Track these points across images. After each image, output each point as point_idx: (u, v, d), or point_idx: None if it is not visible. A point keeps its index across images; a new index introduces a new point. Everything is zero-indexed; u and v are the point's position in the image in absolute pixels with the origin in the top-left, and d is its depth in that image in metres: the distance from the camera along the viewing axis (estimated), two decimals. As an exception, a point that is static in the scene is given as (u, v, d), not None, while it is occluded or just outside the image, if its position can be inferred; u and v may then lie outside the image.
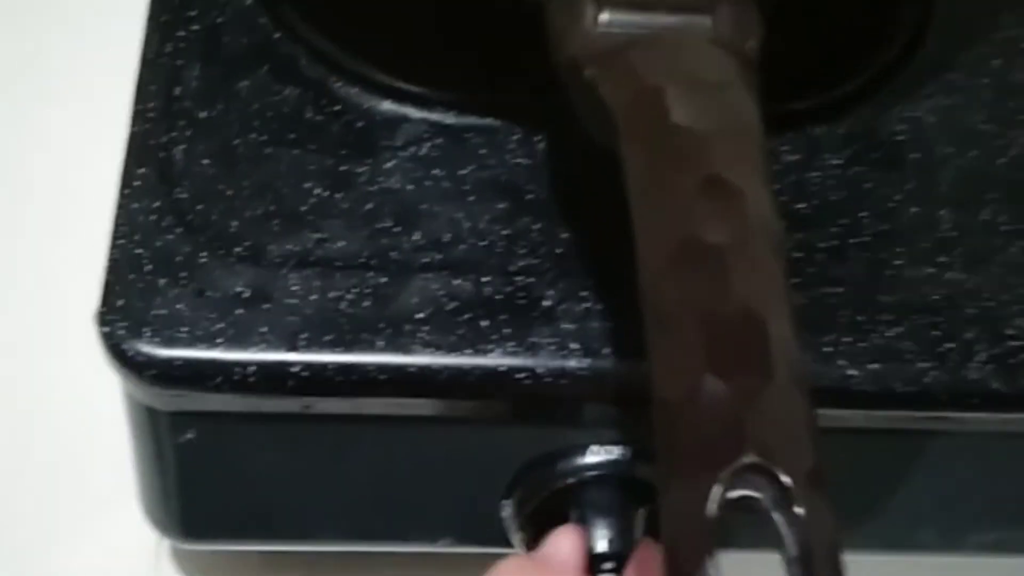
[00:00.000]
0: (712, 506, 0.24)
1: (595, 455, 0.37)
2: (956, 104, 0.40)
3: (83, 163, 0.47)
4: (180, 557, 0.44)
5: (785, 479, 0.24)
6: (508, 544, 0.39)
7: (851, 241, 0.37)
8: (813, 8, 0.39)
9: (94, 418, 0.43)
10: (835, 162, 0.39)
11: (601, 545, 0.36)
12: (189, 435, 0.36)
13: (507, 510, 0.38)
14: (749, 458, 0.24)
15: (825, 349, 0.35)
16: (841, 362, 0.35)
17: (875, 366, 0.35)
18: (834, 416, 0.36)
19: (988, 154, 0.39)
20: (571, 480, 0.37)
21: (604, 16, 0.31)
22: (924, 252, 0.37)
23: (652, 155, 0.28)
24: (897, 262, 0.37)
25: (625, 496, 0.36)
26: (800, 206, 0.38)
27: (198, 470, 0.38)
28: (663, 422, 0.25)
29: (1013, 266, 0.37)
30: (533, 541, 0.37)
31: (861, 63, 0.40)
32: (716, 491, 0.24)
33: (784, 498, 0.24)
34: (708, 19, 0.31)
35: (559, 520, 0.36)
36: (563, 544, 0.35)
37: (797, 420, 0.25)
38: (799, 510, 0.24)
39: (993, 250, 0.37)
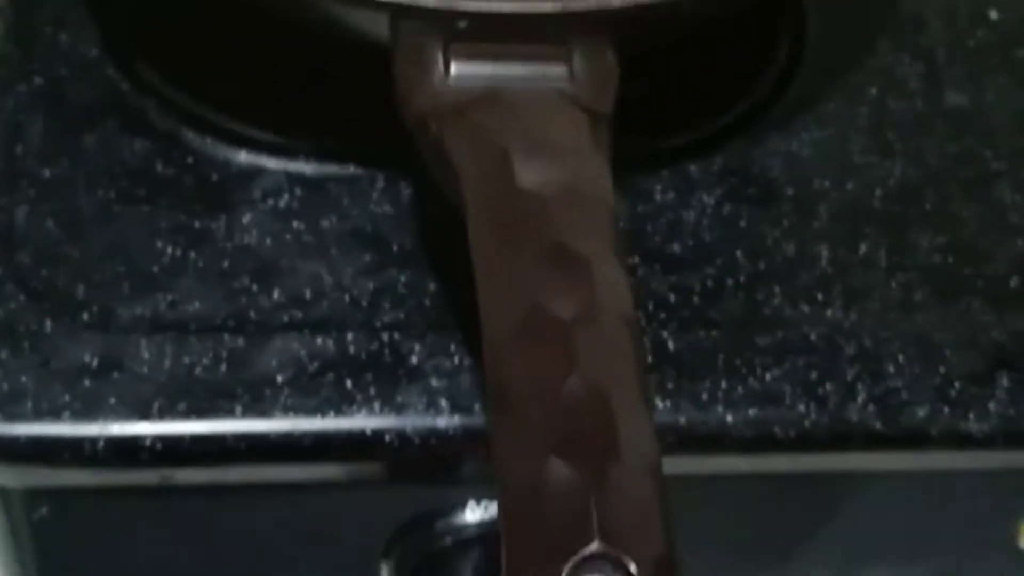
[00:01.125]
0: None
1: (473, 512, 0.36)
2: (832, 136, 0.39)
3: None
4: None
5: (632, 568, 0.23)
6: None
7: (727, 281, 0.36)
8: (681, 44, 0.38)
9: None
10: (709, 200, 0.38)
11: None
12: (43, 512, 0.34)
13: (385, 572, 0.37)
14: (595, 546, 0.23)
15: (702, 395, 0.34)
16: (719, 408, 0.34)
17: (754, 411, 0.34)
18: (715, 463, 0.35)
19: (866, 186, 0.38)
20: (450, 539, 0.36)
21: (454, 69, 0.30)
22: (802, 290, 0.36)
23: (496, 220, 0.27)
24: (775, 301, 0.36)
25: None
26: (674, 247, 0.37)
27: (56, 547, 0.36)
28: (506, 510, 0.24)
29: (893, 302, 0.36)
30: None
31: (734, 96, 0.39)
32: None
33: None
34: (562, 69, 0.30)
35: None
36: None
37: (646, 503, 0.24)
38: None
39: (873, 286, 0.36)
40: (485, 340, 0.26)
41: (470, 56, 0.30)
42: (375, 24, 0.31)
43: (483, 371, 0.33)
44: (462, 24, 0.30)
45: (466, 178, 0.28)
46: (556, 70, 0.30)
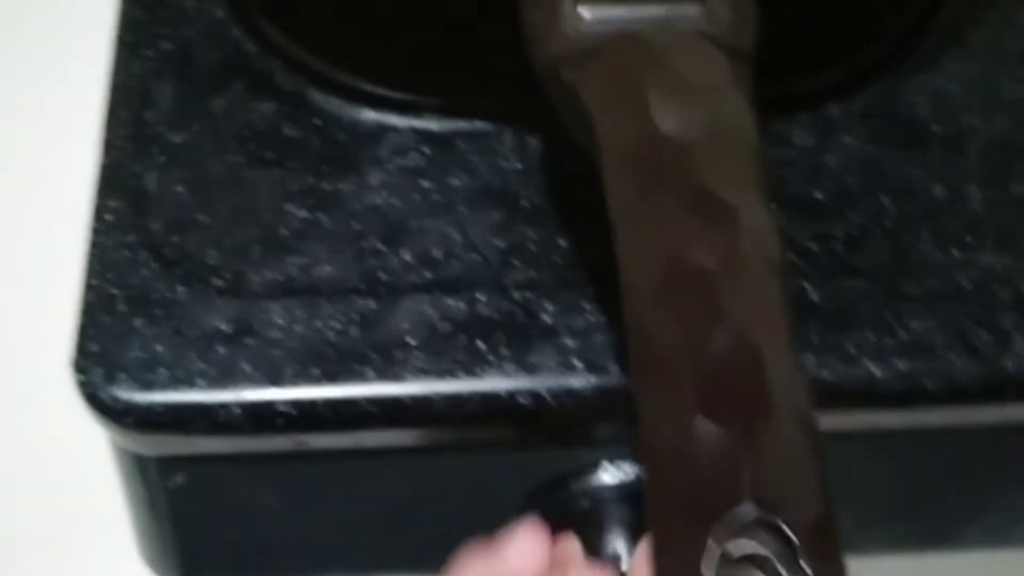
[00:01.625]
0: (709, 565, 0.21)
1: (609, 473, 0.35)
2: (980, 70, 0.37)
3: (53, 197, 0.45)
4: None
5: (789, 532, 0.22)
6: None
7: (872, 228, 0.35)
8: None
9: (85, 460, 0.41)
10: (852, 143, 0.36)
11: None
12: (179, 479, 0.35)
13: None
14: (748, 510, 0.21)
15: (849, 348, 0.33)
16: (867, 361, 0.33)
17: (903, 363, 0.33)
18: (863, 419, 0.34)
19: (1017, 122, 0.36)
20: (586, 501, 0.35)
21: (584, 10, 0.29)
22: (952, 234, 0.35)
23: (635, 167, 0.26)
24: (923, 247, 0.34)
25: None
26: (815, 193, 0.35)
27: (191, 512, 0.36)
28: (652, 472, 0.23)
29: (1050, 245, 0.34)
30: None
31: (875, 33, 0.37)
32: (713, 548, 0.22)
33: (791, 553, 0.22)
34: (698, 8, 0.29)
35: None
36: (522, 546, 0.32)
37: (802, 464, 0.22)
38: (806, 567, 0.22)
39: (1027, 229, 0.35)
40: (625, 293, 0.25)
41: None
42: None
43: (619, 327, 0.33)
44: (591, -36, 0.29)
45: (602, 124, 0.27)
46: (691, 10, 0.29)
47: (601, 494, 0.35)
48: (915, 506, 0.36)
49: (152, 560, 0.37)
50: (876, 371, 0.33)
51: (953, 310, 0.33)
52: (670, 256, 0.25)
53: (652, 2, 0.29)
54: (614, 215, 0.26)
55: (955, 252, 0.34)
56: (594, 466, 0.35)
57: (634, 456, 0.34)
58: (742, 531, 0.22)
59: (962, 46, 0.37)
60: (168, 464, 0.34)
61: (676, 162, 0.26)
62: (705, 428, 0.23)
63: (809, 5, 0.37)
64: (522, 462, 0.35)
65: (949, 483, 0.36)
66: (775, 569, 0.22)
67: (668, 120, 0.26)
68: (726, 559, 0.22)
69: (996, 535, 0.37)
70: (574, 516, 0.35)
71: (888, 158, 0.36)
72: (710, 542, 0.22)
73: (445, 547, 0.37)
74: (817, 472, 0.22)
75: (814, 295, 0.34)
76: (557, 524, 0.35)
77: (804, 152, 0.36)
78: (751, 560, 0.22)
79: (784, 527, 0.22)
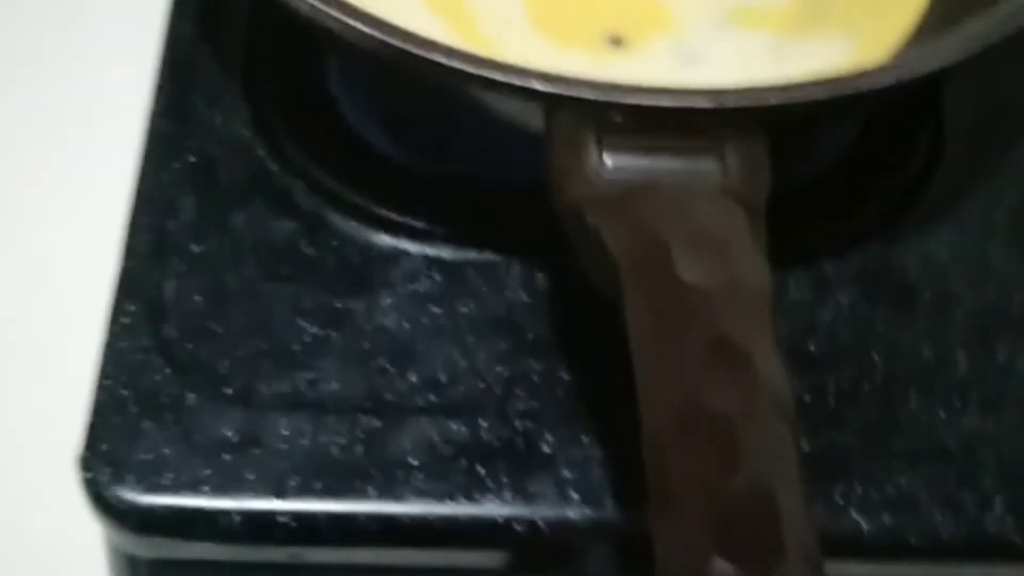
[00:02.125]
0: None
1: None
2: (970, 239, 0.39)
3: (71, 292, 0.46)
4: None
5: None
6: None
7: (863, 384, 0.36)
8: (821, 147, 0.39)
9: (76, 558, 0.41)
10: (845, 300, 0.38)
11: None
12: (171, 584, 0.35)
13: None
14: None
15: (836, 499, 0.34)
16: (853, 513, 0.34)
17: (889, 517, 0.34)
18: (848, 569, 0.35)
19: (1004, 292, 0.38)
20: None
21: (608, 160, 0.30)
22: (939, 395, 0.36)
23: (656, 313, 0.27)
24: (911, 406, 0.36)
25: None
26: (809, 346, 0.37)
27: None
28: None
29: (1033, 412, 0.36)
30: None
31: (870, 198, 0.39)
32: None
33: None
34: (717, 164, 0.30)
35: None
36: None
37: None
38: None
39: (1011, 394, 0.36)
40: (645, 434, 0.26)
41: (624, 148, 0.30)
42: (528, 113, 0.32)
43: (617, 463, 0.34)
44: (617, 117, 0.31)
45: (625, 269, 0.28)
46: (709, 165, 0.30)
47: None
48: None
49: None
50: (862, 523, 0.34)
51: (938, 469, 0.35)
52: (689, 400, 0.26)
53: (672, 156, 0.31)
54: (635, 356, 0.27)
55: (941, 413, 0.36)
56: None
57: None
58: None
59: (953, 215, 0.39)
60: (161, 568, 0.34)
61: (697, 310, 0.27)
62: (721, 568, 0.23)
63: (810, 168, 0.39)
64: (513, 589, 0.35)
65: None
66: None
67: (689, 269, 0.28)
68: None
69: None
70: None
71: (879, 318, 0.37)
72: None
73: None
74: None
75: (806, 445, 0.35)
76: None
77: (800, 306, 0.37)
78: None
79: None
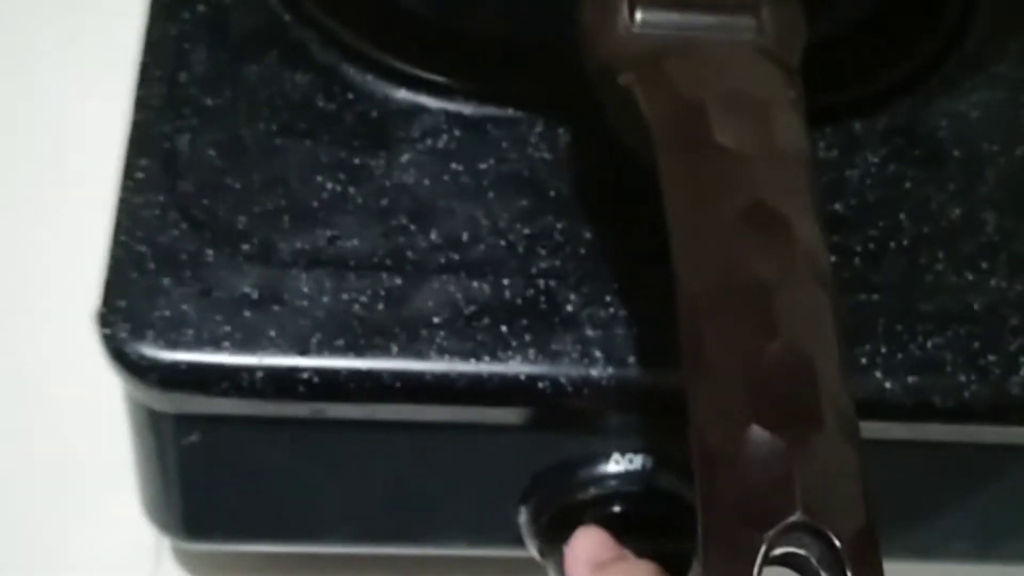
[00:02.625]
0: (756, 568, 0.22)
1: (618, 464, 0.35)
2: (1002, 98, 0.38)
3: (84, 150, 0.45)
4: (181, 555, 0.42)
5: (835, 539, 0.22)
6: (522, 547, 0.37)
7: (890, 244, 0.35)
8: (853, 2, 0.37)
9: (94, 412, 0.41)
10: (874, 159, 0.37)
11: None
12: (193, 438, 0.35)
13: (523, 516, 0.37)
14: (797, 517, 0.22)
15: (861, 360, 0.34)
16: (878, 374, 0.33)
17: (913, 378, 0.34)
18: (871, 429, 0.35)
19: (1035, 153, 0.37)
20: (593, 489, 0.36)
21: (639, 15, 0.29)
22: (966, 257, 0.35)
23: (693, 177, 0.26)
24: (938, 267, 0.35)
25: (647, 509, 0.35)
26: (836, 206, 0.36)
27: (202, 472, 0.36)
28: (704, 474, 0.23)
29: (1059, 274, 0.35)
30: (548, 548, 0.36)
31: (902, 54, 0.38)
32: (761, 551, 0.22)
33: (833, 559, 0.22)
34: (751, 19, 0.29)
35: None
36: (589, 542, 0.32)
37: (848, 474, 0.23)
38: (849, 573, 0.22)
39: (1039, 256, 0.36)
40: (681, 299, 0.25)
41: (657, 3, 0.29)
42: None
43: (640, 322, 0.33)
44: (649, -31, 0.30)
45: (659, 131, 0.27)
46: (744, 20, 0.29)
47: (607, 483, 0.35)
48: (914, 516, 0.37)
49: (156, 517, 0.37)
50: (887, 384, 0.33)
51: (964, 331, 0.34)
52: (726, 266, 0.25)
53: (706, 12, 0.30)
54: (671, 222, 0.26)
55: (968, 275, 0.35)
56: (604, 456, 0.35)
57: (648, 444, 0.34)
58: (789, 535, 0.22)
59: (986, 74, 0.38)
60: (184, 422, 0.34)
61: (733, 173, 0.26)
62: (759, 436, 0.23)
63: (840, 23, 0.38)
64: (535, 444, 0.35)
65: (948, 497, 0.37)
66: (815, 570, 0.23)
67: (727, 133, 0.27)
68: (766, 557, 0.22)
69: (986, 550, 0.38)
70: (579, 503, 0.35)
71: (908, 177, 0.37)
72: (761, 547, 0.22)
73: (447, 522, 0.38)
74: (862, 483, 0.23)
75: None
76: (559, 509, 0.36)
77: (828, 165, 0.37)
78: (788, 558, 0.23)
79: (831, 535, 0.22)
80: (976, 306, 0.35)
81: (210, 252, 0.34)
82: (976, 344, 0.34)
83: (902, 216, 0.36)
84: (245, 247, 0.34)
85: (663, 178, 0.27)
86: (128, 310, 0.33)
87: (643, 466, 0.35)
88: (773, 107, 0.28)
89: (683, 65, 0.28)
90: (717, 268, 0.25)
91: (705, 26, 0.29)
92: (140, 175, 0.35)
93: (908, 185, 0.36)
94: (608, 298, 0.34)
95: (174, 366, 0.32)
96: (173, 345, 0.32)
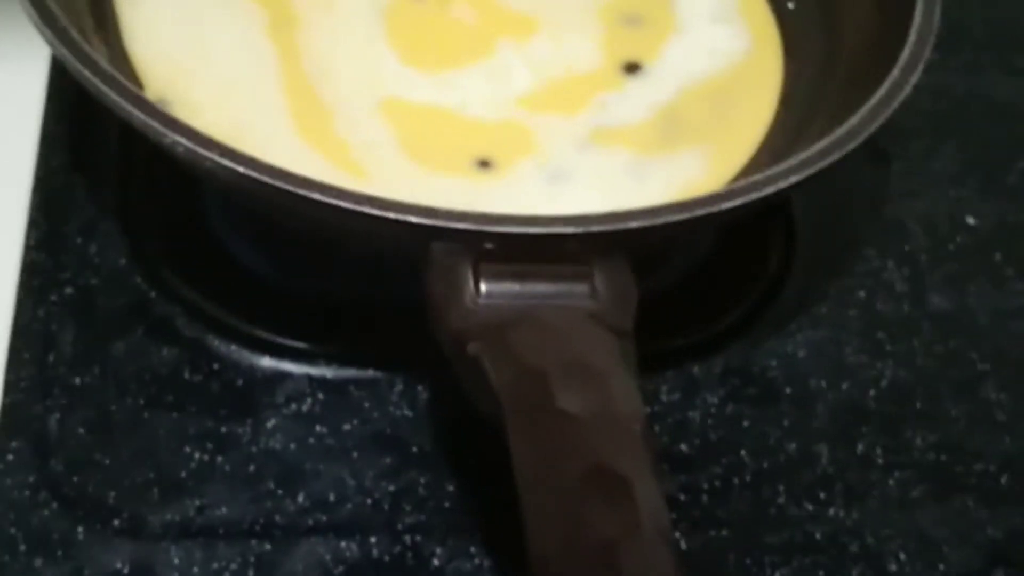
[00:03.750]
0: None
1: None
2: (825, 337, 0.41)
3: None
4: None
5: None
6: None
7: (734, 481, 0.38)
8: (682, 255, 0.41)
9: None
10: (713, 400, 0.39)
11: None
12: None
13: None
14: None
15: (715, 595, 0.35)
16: (733, 607, 0.35)
17: (766, 610, 0.35)
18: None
19: (860, 386, 0.40)
20: None
21: (484, 287, 0.32)
22: (805, 489, 0.38)
23: (537, 441, 0.29)
24: (779, 500, 0.38)
25: None
26: (682, 447, 0.38)
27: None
28: None
29: (891, 500, 0.38)
30: None
31: (731, 301, 0.41)
32: None
33: None
34: (586, 287, 0.32)
35: None
36: None
37: None
38: None
39: (871, 485, 0.38)
40: (532, 558, 0.27)
41: (499, 276, 0.32)
42: (406, 243, 0.33)
43: (506, 572, 0.35)
44: (489, 245, 0.32)
45: (506, 400, 0.30)
46: (579, 288, 0.32)
47: None
48: None
49: None
50: (742, 617, 0.35)
51: (809, 560, 0.36)
52: (572, 526, 0.27)
53: (544, 281, 0.33)
54: (519, 484, 0.29)
55: (808, 506, 0.38)
56: None
57: None
58: None
59: (808, 315, 0.41)
60: None
61: (575, 438, 0.29)
62: None
63: (673, 277, 0.41)
64: None
65: None
66: None
67: (566, 399, 0.29)
68: None
69: None
70: None
71: (746, 415, 0.39)
72: None
73: None
74: None
75: (683, 542, 0.36)
76: None
77: (671, 408, 0.39)
78: None
79: None
80: (817, 535, 0.37)
81: (80, 530, 0.34)
82: (820, 573, 0.36)
83: (743, 452, 0.38)
84: (115, 522, 0.35)
85: (511, 441, 0.29)
86: (-1, 595, 0.33)
87: None
88: (609, 374, 0.30)
89: (525, 336, 0.31)
90: (563, 529, 0.27)
91: (544, 295, 0.32)
92: (10, 457, 0.36)
93: (746, 423, 0.39)
94: (472, 549, 0.35)
95: (45, 649, 0.33)
96: (45, 628, 0.33)
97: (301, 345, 0.39)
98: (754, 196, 0.34)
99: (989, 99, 0.48)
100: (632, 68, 0.42)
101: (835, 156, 0.35)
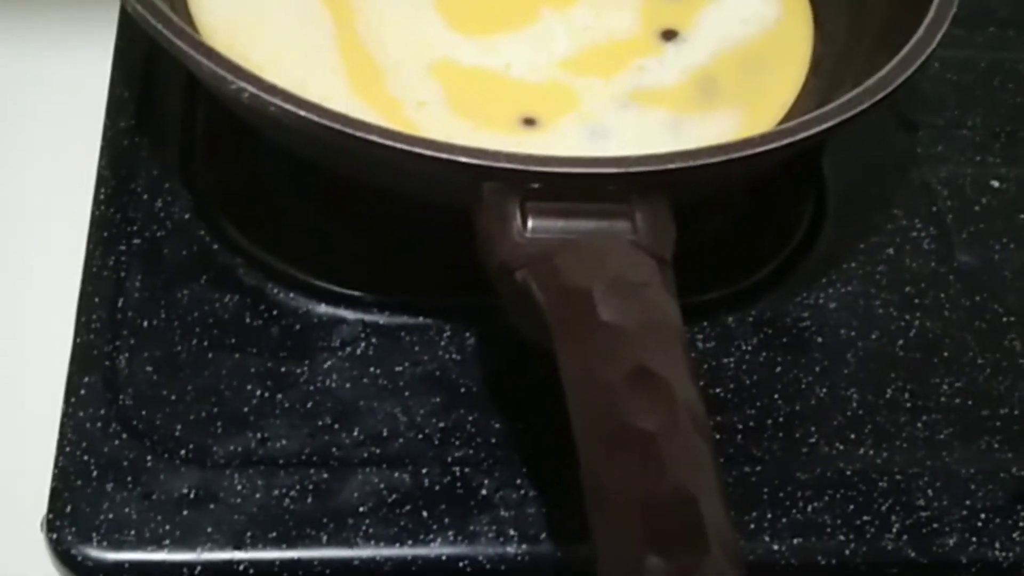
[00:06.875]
0: None
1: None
2: (855, 291, 0.43)
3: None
4: None
5: None
6: None
7: (767, 422, 0.40)
8: (720, 208, 0.43)
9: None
10: (747, 348, 0.41)
11: None
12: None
13: None
14: None
15: (750, 525, 0.37)
16: (766, 537, 0.37)
17: (798, 540, 0.37)
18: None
19: (889, 336, 0.42)
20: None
21: (531, 223, 0.34)
22: (836, 430, 0.40)
23: (583, 350, 0.31)
24: (811, 440, 0.39)
25: None
26: (717, 390, 0.40)
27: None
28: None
29: (919, 441, 0.39)
30: None
31: (765, 255, 0.43)
32: None
33: None
34: (627, 224, 0.34)
35: None
36: None
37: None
38: None
39: (900, 427, 0.40)
40: (581, 455, 0.29)
41: (544, 213, 0.34)
42: (458, 185, 0.35)
43: (550, 500, 0.37)
44: (536, 184, 0.34)
45: (553, 316, 0.31)
46: (621, 224, 0.34)
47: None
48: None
49: None
50: (774, 546, 0.37)
51: (840, 495, 0.38)
52: (617, 421, 0.29)
53: (587, 218, 0.35)
54: (567, 389, 0.30)
55: (839, 445, 0.39)
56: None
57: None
58: None
59: (838, 270, 0.43)
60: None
61: (618, 345, 0.31)
62: (654, 562, 0.27)
63: (710, 231, 0.43)
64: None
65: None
66: None
67: (609, 312, 0.31)
68: None
69: None
70: None
71: (778, 362, 0.41)
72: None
73: None
74: None
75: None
76: None
77: (706, 354, 0.41)
78: None
79: None
80: (848, 472, 0.39)
81: (149, 458, 0.37)
82: (851, 507, 0.38)
83: (776, 396, 0.40)
84: (182, 452, 0.37)
85: (559, 355, 0.31)
86: (74, 515, 0.35)
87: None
88: (649, 289, 0.32)
89: (570, 260, 0.33)
90: (609, 425, 0.29)
91: (587, 231, 0.34)
92: (83, 392, 0.38)
93: (779, 369, 0.41)
94: (518, 481, 0.37)
95: (118, 566, 0.35)
96: (117, 546, 0.35)
97: (356, 293, 0.41)
98: (788, 140, 0.36)
99: (1012, 72, 0.50)
100: (669, 35, 0.44)
101: (866, 103, 0.36)
